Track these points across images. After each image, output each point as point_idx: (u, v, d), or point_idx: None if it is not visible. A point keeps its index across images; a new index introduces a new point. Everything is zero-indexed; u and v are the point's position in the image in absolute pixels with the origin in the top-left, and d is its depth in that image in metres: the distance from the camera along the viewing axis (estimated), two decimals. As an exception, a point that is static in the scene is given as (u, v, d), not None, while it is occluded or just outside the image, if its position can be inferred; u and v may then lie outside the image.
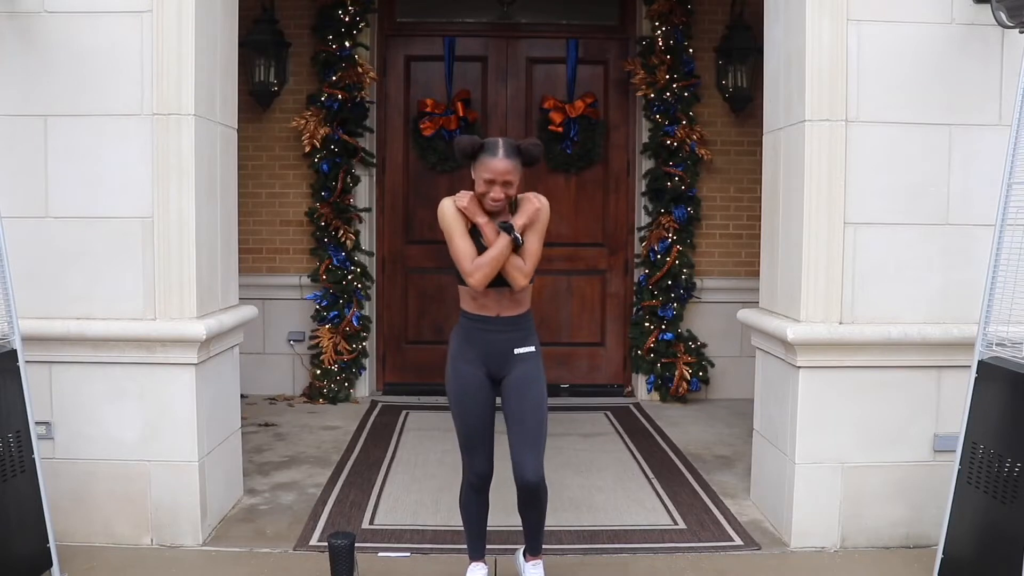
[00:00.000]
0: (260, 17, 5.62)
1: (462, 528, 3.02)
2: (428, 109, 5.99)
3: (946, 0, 3.26)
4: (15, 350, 2.87)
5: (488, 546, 3.09)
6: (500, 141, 2.71)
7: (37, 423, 2.99)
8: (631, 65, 5.86)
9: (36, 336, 3.14)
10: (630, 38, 6.05)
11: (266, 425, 5.14)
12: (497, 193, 2.67)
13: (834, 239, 3.29)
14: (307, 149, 5.69)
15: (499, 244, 2.71)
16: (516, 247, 2.72)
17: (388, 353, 6.20)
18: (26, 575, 2.86)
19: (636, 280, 6.03)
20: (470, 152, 2.71)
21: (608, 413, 5.58)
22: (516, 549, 3.11)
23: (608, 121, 6.10)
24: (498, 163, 2.65)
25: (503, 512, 3.33)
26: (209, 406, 3.43)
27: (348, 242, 5.75)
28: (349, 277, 5.73)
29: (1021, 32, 3.02)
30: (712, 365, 5.87)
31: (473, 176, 2.72)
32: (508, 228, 2.72)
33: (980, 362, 2.87)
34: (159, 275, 3.27)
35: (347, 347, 5.72)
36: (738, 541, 3.44)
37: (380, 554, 3.28)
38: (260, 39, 5.61)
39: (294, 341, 5.94)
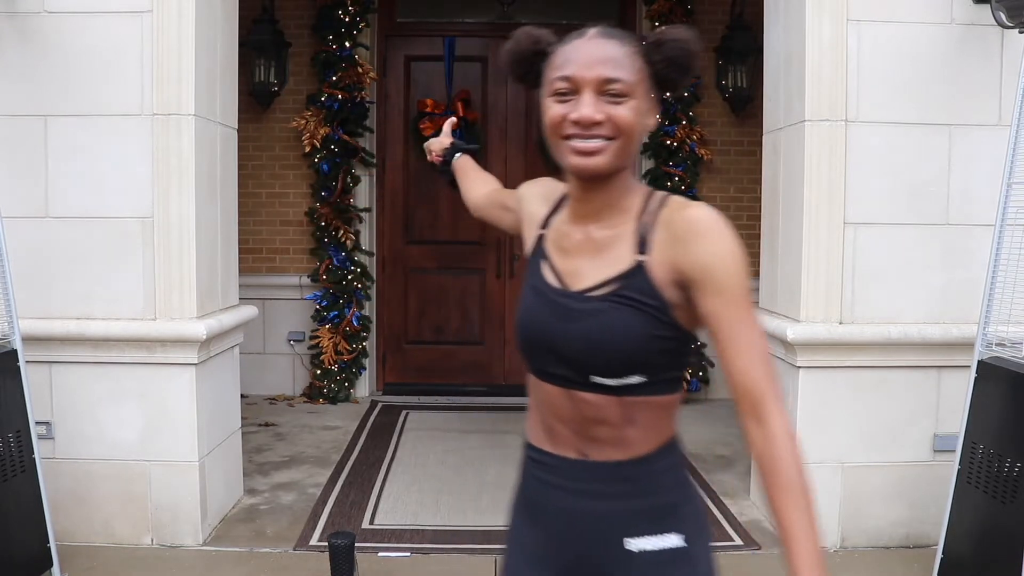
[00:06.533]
0: (260, 17, 5.62)
1: (462, 528, 3.02)
2: (428, 109, 5.99)
3: (946, 0, 3.26)
4: (15, 350, 2.87)
5: (488, 545, 3.10)
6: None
7: (37, 423, 2.99)
8: (631, 65, 5.85)
9: (36, 336, 3.15)
10: (630, 38, 6.05)
11: (266, 425, 5.14)
12: (586, 109, 1.22)
13: (834, 239, 3.29)
14: (307, 149, 5.69)
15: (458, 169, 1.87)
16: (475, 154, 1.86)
17: (388, 353, 6.20)
18: (26, 575, 2.87)
19: (636, 280, 6.02)
20: (530, 52, 1.34)
21: (608, 413, 5.57)
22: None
23: (608, 121, 6.10)
24: (586, 45, 1.25)
25: (503, 512, 3.33)
26: (209, 406, 3.43)
27: (348, 242, 5.75)
28: (349, 277, 5.73)
29: (1021, 32, 3.02)
30: (712, 365, 5.87)
31: (542, 104, 1.30)
32: (458, 150, 1.90)
33: (980, 362, 2.87)
34: (159, 275, 3.27)
35: (347, 347, 5.72)
36: (738, 541, 3.44)
37: (380, 554, 3.28)
38: (260, 39, 5.61)
39: (294, 341, 5.94)
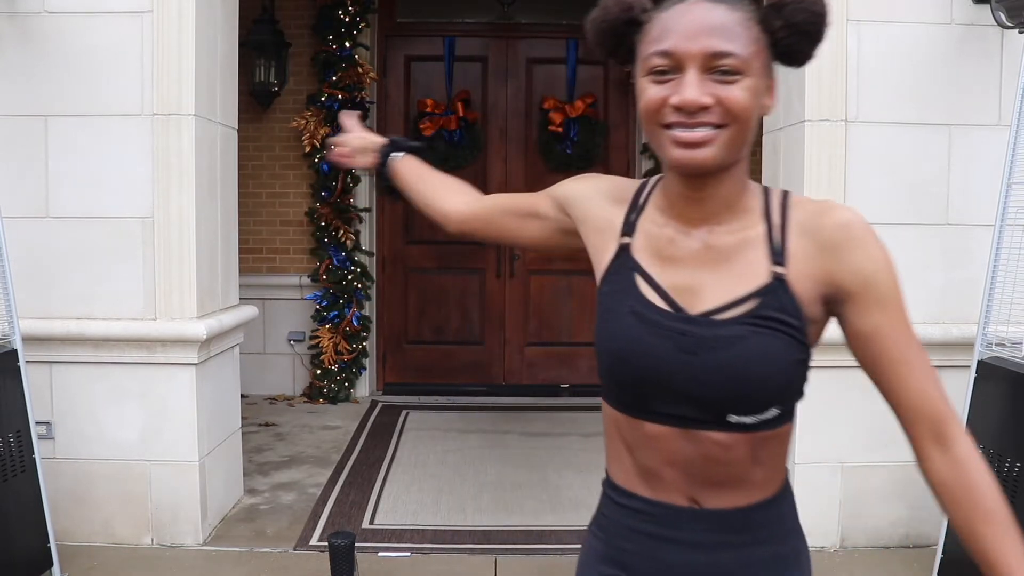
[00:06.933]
0: (260, 17, 5.62)
1: (462, 528, 3.03)
2: (428, 109, 5.99)
3: (946, 0, 3.26)
4: (16, 350, 2.87)
5: (488, 545, 3.10)
6: None
7: (37, 423, 2.99)
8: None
9: (36, 336, 3.15)
10: (630, 38, 6.04)
11: (266, 425, 5.14)
12: (691, 91, 1.00)
13: (834, 239, 3.29)
14: (307, 149, 5.70)
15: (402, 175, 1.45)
16: (421, 154, 1.48)
17: (388, 353, 6.20)
18: (26, 575, 2.87)
19: (636, 280, 6.02)
20: (621, 22, 1.07)
21: (608, 413, 5.57)
22: (516, 550, 3.12)
23: (608, 121, 6.10)
24: (689, 11, 1.02)
25: (503, 512, 3.34)
26: (209, 406, 3.43)
27: (348, 242, 5.76)
28: (349, 277, 5.73)
29: (1021, 32, 3.02)
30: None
31: (636, 83, 1.07)
32: (399, 146, 1.47)
33: (980, 362, 2.87)
34: (159, 275, 3.27)
35: (347, 347, 5.72)
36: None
37: (380, 554, 3.28)
38: (260, 39, 5.61)
39: (294, 341, 5.94)
